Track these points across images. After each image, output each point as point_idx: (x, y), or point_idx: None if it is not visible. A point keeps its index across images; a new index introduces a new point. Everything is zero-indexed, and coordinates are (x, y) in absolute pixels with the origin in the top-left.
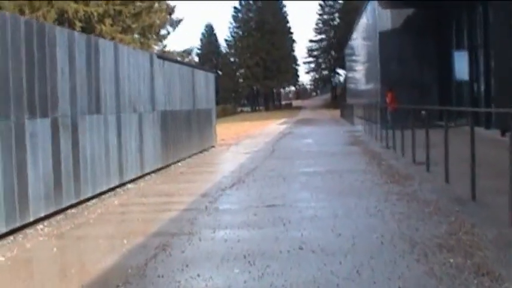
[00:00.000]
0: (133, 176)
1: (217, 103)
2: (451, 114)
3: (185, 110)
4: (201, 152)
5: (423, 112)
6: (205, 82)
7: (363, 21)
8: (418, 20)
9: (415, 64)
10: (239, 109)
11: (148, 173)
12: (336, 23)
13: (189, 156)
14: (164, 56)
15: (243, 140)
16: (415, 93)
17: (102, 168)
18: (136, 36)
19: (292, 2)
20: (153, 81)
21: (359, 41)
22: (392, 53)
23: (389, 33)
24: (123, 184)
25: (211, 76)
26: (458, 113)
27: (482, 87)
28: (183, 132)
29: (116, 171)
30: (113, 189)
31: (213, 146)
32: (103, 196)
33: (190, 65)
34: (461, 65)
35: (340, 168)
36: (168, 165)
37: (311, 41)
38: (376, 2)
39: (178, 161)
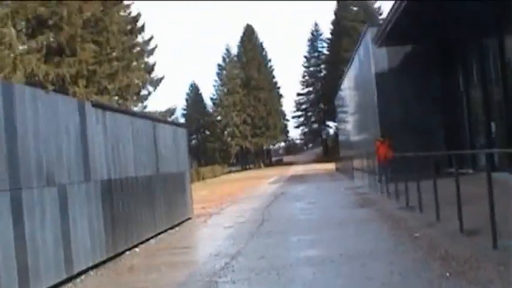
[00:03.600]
0: (53, 283)
1: (205, 164)
2: (465, 159)
3: (144, 176)
4: (171, 228)
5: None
6: (173, 139)
7: (356, 65)
8: (418, 58)
9: (418, 105)
10: (228, 169)
11: (84, 272)
12: (322, 74)
13: (155, 236)
14: (105, 105)
15: (227, 207)
16: (419, 139)
17: None
18: (114, 98)
19: (278, 55)
20: (86, 138)
21: (352, 88)
22: (391, 96)
23: (386, 74)
24: None
25: (181, 132)
26: (474, 157)
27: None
28: (141, 206)
29: (10, 285)
30: None
31: (189, 218)
32: None
33: (150, 117)
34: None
35: (359, 249)
36: (118, 255)
37: (298, 94)
38: (369, 42)
39: (135, 246)
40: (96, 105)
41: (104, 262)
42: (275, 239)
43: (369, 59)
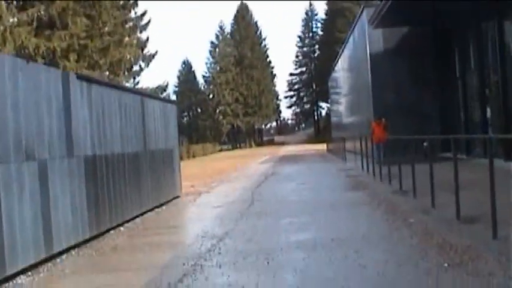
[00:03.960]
0: (31, 262)
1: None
2: (459, 144)
3: (130, 152)
4: (158, 206)
5: (425, 143)
6: (162, 115)
7: (350, 46)
8: (414, 40)
9: (412, 89)
10: (219, 147)
11: (65, 251)
12: (316, 55)
13: (141, 214)
14: (91, 77)
15: (217, 186)
16: (413, 122)
17: None
18: (106, 73)
19: (272, 33)
20: (70, 112)
21: (346, 69)
22: (386, 78)
23: (381, 56)
24: (5, 280)
25: (171, 108)
26: (468, 143)
27: (498, 112)
28: (127, 183)
29: None
30: None
31: (177, 197)
32: None
33: (138, 92)
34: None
35: (351, 233)
36: (102, 233)
37: (291, 74)
38: (365, 22)
39: (120, 225)
40: (81, 77)
41: (87, 241)
42: (265, 220)
43: (364, 40)
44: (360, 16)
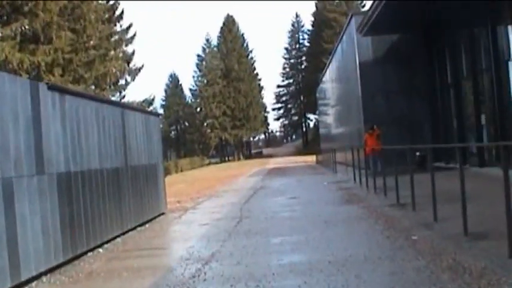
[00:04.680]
0: None
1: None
2: (451, 154)
3: (110, 168)
4: (141, 225)
5: (418, 153)
6: (145, 128)
7: (339, 55)
8: (404, 48)
9: (403, 97)
10: (207, 161)
11: (35, 278)
12: (303, 66)
13: (123, 234)
14: (64, 87)
15: (204, 201)
16: (404, 131)
17: None
18: (91, 87)
19: (259, 46)
20: (40, 126)
21: (334, 79)
22: (376, 87)
23: (371, 64)
24: None
25: (154, 120)
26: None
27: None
28: (107, 201)
29: None
30: None
31: (161, 214)
32: None
33: (118, 103)
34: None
35: (350, 254)
36: (78, 256)
37: (279, 86)
38: (354, 30)
39: (99, 246)
40: (52, 87)
41: (60, 266)
42: (254, 240)
43: (353, 48)
44: (348, 24)
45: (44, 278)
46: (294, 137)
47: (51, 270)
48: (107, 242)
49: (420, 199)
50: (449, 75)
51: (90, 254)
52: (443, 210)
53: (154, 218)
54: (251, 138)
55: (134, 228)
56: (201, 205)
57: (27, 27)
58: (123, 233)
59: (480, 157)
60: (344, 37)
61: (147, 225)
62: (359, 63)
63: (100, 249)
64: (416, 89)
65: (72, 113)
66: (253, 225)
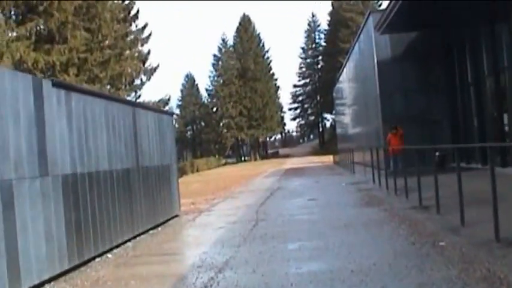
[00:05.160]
0: None
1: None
2: (472, 154)
3: (120, 169)
4: (153, 228)
5: (437, 153)
6: (157, 127)
7: (356, 54)
8: (422, 46)
9: (422, 96)
10: (223, 161)
11: (38, 286)
12: (319, 66)
13: (134, 238)
14: (70, 84)
15: (219, 203)
16: (423, 130)
17: None
18: (106, 87)
19: (275, 45)
20: (44, 125)
21: (352, 78)
22: (394, 85)
23: (389, 62)
24: None
25: (167, 119)
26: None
27: None
28: (116, 204)
29: None
30: None
31: (175, 216)
32: None
33: (129, 102)
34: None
35: (375, 261)
36: (85, 262)
37: (295, 86)
38: (371, 28)
39: (108, 251)
40: (57, 84)
41: (66, 273)
42: (271, 245)
43: (371, 46)
44: (365, 22)
45: (48, 286)
46: (311, 136)
47: (55, 277)
48: (117, 246)
49: (443, 201)
50: (469, 73)
51: (98, 259)
52: (469, 213)
53: (168, 220)
54: (267, 138)
55: (146, 232)
56: (216, 207)
57: (42, 26)
58: (134, 237)
59: (503, 157)
60: (361, 36)
61: (159, 229)
62: (377, 61)
63: (109, 255)
64: (435, 87)
65: (79, 111)
66: (270, 229)
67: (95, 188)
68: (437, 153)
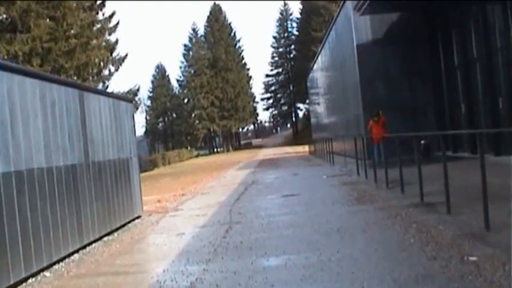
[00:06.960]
0: None
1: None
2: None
3: (63, 166)
4: (109, 233)
5: (423, 141)
6: (113, 115)
7: (332, 40)
8: (406, 27)
9: (405, 82)
10: (196, 153)
11: None
12: (292, 55)
13: (83, 247)
14: None
15: (188, 200)
16: (407, 118)
17: None
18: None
19: (247, 34)
20: None
21: (328, 66)
22: (375, 71)
23: (369, 47)
24: None
25: (125, 107)
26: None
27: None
28: (57, 208)
29: None
30: None
31: (136, 217)
32: None
33: (75, 84)
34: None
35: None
36: (14, 286)
37: (267, 75)
38: (350, 10)
39: (47, 268)
40: None
41: None
42: (249, 260)
43: (349, 30)
44: (343, 4)
45: None
46: (287, 125)
47: None
48: (62, 260)
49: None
50: (455, 56)
51: (31, 280)
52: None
53: (127, 223)
54: (240, 129)
55: (100, 239)
56: (184, 205)
57: (4, 15)
58: (84, 247)
59: (495, 145)
60: (338, 19)
61: (116, 234)
62: (356, 45)
63: (47, 273)
64: (419, 72)
65: (3, 92)
66: (246, 236)
67: (25, 190)
68: (422, 142)
